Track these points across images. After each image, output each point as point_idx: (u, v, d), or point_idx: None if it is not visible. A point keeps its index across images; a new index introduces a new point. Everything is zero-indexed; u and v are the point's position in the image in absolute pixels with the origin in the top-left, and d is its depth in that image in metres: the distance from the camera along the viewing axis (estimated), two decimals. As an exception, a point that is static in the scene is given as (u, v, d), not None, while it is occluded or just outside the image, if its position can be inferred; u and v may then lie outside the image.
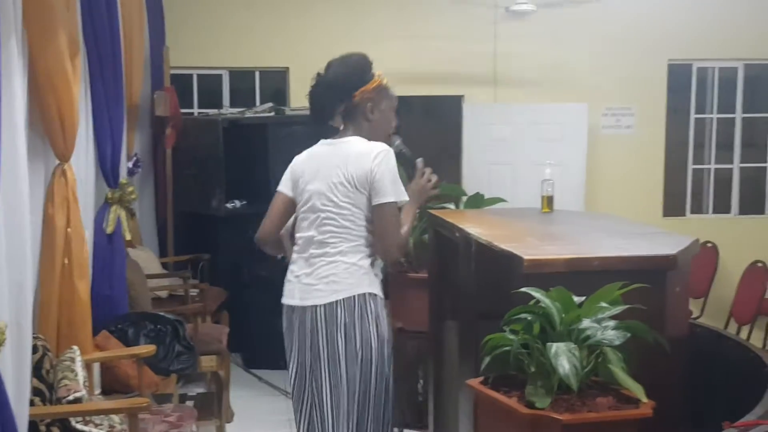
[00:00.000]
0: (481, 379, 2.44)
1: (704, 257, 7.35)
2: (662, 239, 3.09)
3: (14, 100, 2.87)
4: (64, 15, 3.52)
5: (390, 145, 3.33)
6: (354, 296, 3.21)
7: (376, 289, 3.28)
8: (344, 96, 3.31)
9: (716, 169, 8.30)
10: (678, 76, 8.05)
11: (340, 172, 3.22)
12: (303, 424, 3.38)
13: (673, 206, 8.17)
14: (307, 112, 3.47)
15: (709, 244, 7.50)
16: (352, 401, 3.26)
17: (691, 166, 8.23)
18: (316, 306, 3.25)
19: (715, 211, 8.32)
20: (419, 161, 3.43)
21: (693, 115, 8.19)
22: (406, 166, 3.52)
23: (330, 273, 3.25)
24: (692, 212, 8.27)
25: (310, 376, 3.31)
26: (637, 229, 3.50)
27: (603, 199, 7.67)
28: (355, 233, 3.23)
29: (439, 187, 3.48)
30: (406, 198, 3.23)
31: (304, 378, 3.33)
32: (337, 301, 3.21)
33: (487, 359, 2.39)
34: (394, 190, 3.18)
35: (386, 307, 3.38)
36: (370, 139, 3.28)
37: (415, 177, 3.42)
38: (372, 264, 3.27)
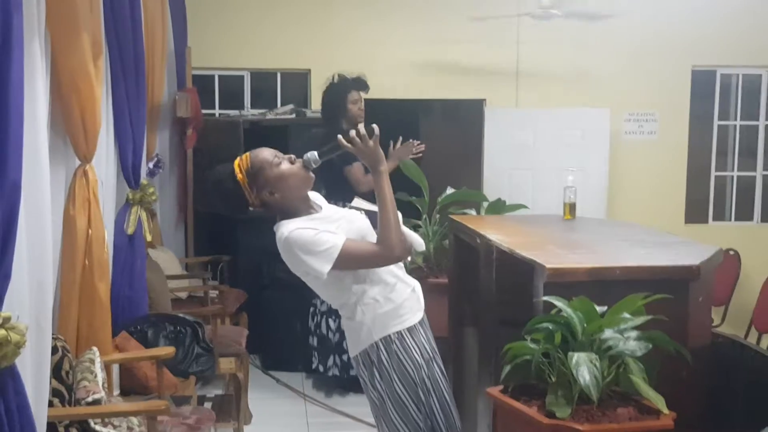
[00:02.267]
0: (501, 387, 2.43)
1: (726, 265, 7.27)
2: (686, 249, 3.06)
3: (37, 101, 2.87)
4: (87, 16, 3.52)
5: (310, 170, 3.12)
6: (365, 350, 3.17)
7: (390, 327, 3.14)
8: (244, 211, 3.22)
9: (739, 177, 8.24)
10: (701, 82, 7.99)
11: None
12: None
13: (695, 213, 8.11)
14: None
15: (731, 252, 7.44)
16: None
17: (713, 173, 8.16)
18: (352, 358, 3.31)
19: (737, 219, 8.25)
20: (339, 139, 3.04)
21: (716, 122, 8.12)
22: (340, 158, 3.25)
23: (347, 331, 3.28)
24: (714, 219, 8.20)
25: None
26: (660, 239, 3.47)
27: (625, 205, 7.63)
28: (344, 303, 3.19)
29: (373, 130, 3.09)
30: (334, 254, 2.96)
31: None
32: (356, 356, 3.23)
33: (507, 368, 2.37)
34: (322, 261, 2.98)
35: (417, 331, 3.21)
36: (297, 196, 3.13)
37: (353, 151, 3.07)
38: (371, 307, 3.14)
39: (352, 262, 3.04)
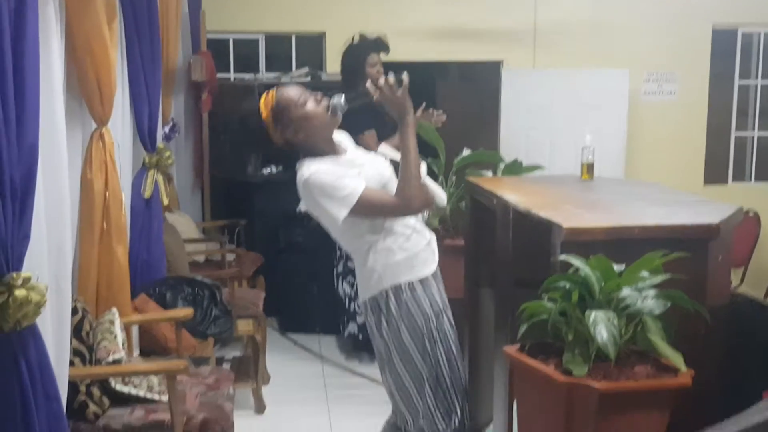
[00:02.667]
0: (517, 346, 2.43)
1: (745, 225, 7.24)
2: (704, 208, 3.04)
3: (52, 64, 2.87)
4: (101, -21, 3.51)
5: (337, 115, 3.13)
6: (375, 296, 3.17)
7: (402, 277, 3.14)
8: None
9: (759, 137, 8.16)
10: (722, 41, 7.89)
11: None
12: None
13: (714, 174, 8.05)
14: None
15: (751, 213, 7.39)
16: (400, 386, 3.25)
17: (733, 133, 8.09)
18: (361, 303, 3.31)
19: (757, 179, 8.19)
20: (368, 85, 3.08)
21: (737, 82, 8.03)
22: (364, 109, 3.24)
23: (357, 277, 3.29)
24: (734, 180, 8.15)
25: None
26: (678, 198, 3.45)
27: (643, 166, 7.58)
28: (357, 248, 3.20)
29: (402, 78, 3.05)
30: (352, 201, 2.96)
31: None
32: (365, 302, 3.23)
33: (524, 326, 2.37)
34: (339, 205, 2.99)
35: (428, 284, 3.23)
36: (321, 138, 3.14)
37: (381, 100, 3.07)
38: (384, 255, 3.14)
39: (370, 210, 3.04)
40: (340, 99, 3.10)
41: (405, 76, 3.04)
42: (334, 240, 3.34)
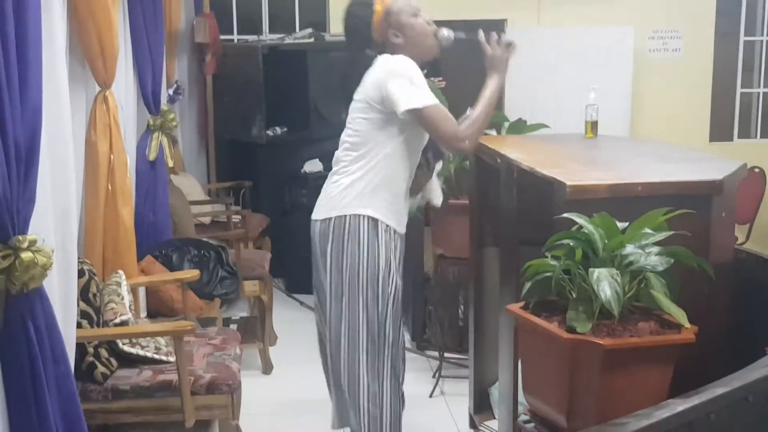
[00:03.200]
0: (521, 304, 2.44)
1: (751, 182, 7.23)
2: (708, 164, 3.03)
3: (54, 26, 2.86)
4: (101, -61, 3.49)
5: (440, 44, 3.24)
6: (346, 216, 3.17)
7: (380, 214, 3.17)
8: (365, 44, 3.25)
9: (765, 93, 8.10)
10: (727, -3, 7.82)
11: (360, 89, 3.20)
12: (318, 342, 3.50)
13: (720, 131, 8.00)
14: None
15: (757, 170, 7.36)
16: (338, 336, 3.27)
17: (739, 90, 8.03)
18: (315, 221, 3.29)
19: (762, 136, 8.13)
20: (480, 35, 3.22)
21: (742, 38, 7.95)
22: (470, 49, 3.30)
23: (330, 191, 3.25)
24: (739, 137, 8.10)
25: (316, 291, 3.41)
26: (682, 154, 3.44)
27: (648, 124, 7.55)
28: (362, 154, 3.18)
29: (512, 43, 3.24)
30: (426, 102, 3.05)
31: (316, 291, 3.41)
32: (329, 219, 3.21)
33: (528, 284, 2.38)
34: (407, 98, 3.04)
35: (401, 242, 3.30)
36: (419, 55, 3.20)
37: (484, 51, 3.21)
38: (381, 189, 3.18)
39: (430, 121, 3.08)
40: (450, 33, 3.25)
41: (514, 43, 3.24)
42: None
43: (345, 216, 3.17)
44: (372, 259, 3.17)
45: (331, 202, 3.22)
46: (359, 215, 3.16)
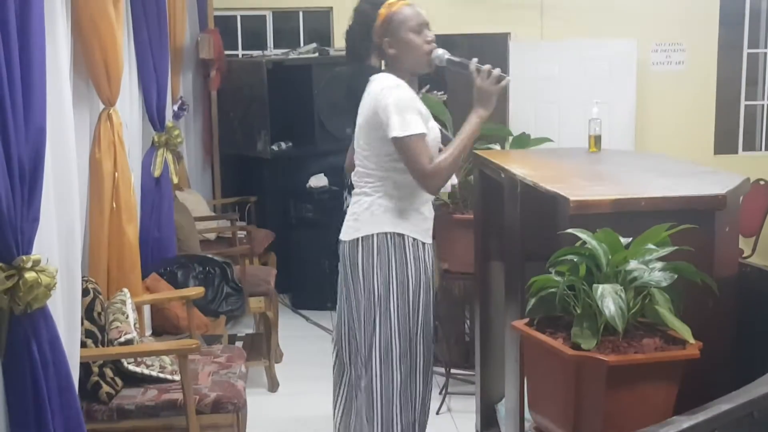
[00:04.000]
0: (526, 320, 2.43)
1: (756, 195, 7.22)
2: (711, 178, 3.02)
3: (58, 45, 2.87)
4: (105, -41, 3.50)
5: (432, 62, 3.20)
6: (372, 235, 3.18)
7: (406, 229, 3.19)
8: (365, 43, 3.28)
9: (769, 106, 8.12)
10: (730, 9, 7.82)
11: (361, 112, 3.22)
12: (334, 361, 3.47)
13: (724, 144, 8.01)
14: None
15: (762, 182, 7.36)
16: (365, 350, 3.26)
17: (743, 103, 8.04)
18: (343, 242, 3.30)
19: (767, 148, 8.14)
20: (473, 63, 3.16)
21: (746, 50, 7.97)
22: (460, 74, 3.25)
23: (354, 211, 3.26)
24: (744, 149, 8.10)
25: (341, 312, 3.38)
26: (686, 169, 3.43)
27: (653, 137, 7.55)
28: (379, 173, 3.19)
29: (505, 77, 3.15)
30: (413, 131, 3.04)
31: (341, 312, 3.39)
32: (356, 239, 3.21)
33: (532, 300, 2.37)
34: (399, 124, 3.04)
35: (430, 251, 3.31)
36: (409, 69, 3.20)
37: (473, 81, 3.14)
38: (403, 203, 3.19)
39: (404, 152, 3.08)
40: (443, 55, 3.19)
41: (508, 78, 3.16)
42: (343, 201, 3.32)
43: (371, 235, 3.19)
44: (401, 275, 3.18)
45: (357, 223, 3.24)
46: (385, 233, 3.17)
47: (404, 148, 3.06)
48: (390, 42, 3.19)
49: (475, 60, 3.15)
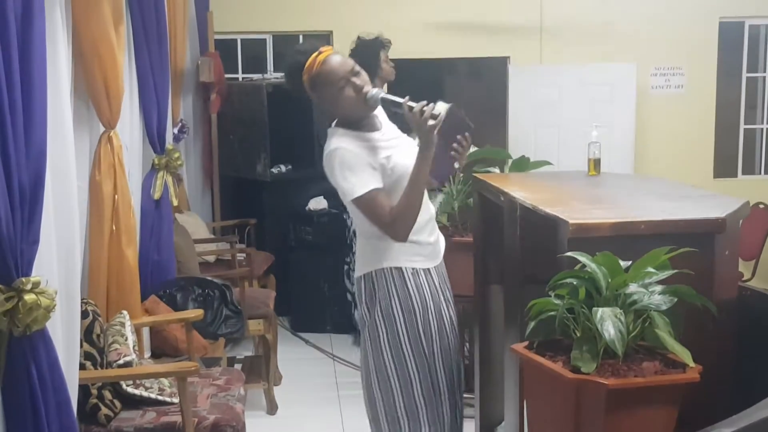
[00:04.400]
0: (526, 343, 2.43)
1: (756, 218, 7.22)
2: (711, 202, 3.03)
3: (59, 68, 2.89)
4: (107, -18, 3.53)
5: (368, 104, 3.08)
6: (371, 272, 3.18)
7: (402, 262, 3.15)
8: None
9: (769, 129, 8.14)
10: (729, 34, 7.86)
11: None
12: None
13: (724, 167, 8.02)
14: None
15: (761, 206, 7.36)
16: (375, 379, 3.28)
17: (742, 126, 8.06)
18: (355, 278, 3.32)
19: (767, 172, 8.15)
20: (405, 102, 3.00)
21: (745, 74, 8.00)
22: (396, 113, 3.11)
23: (357, 249, 3.31)
24: (744, 173, 8.12)
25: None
26: (685, 192, 3.44)
27: (652, 161, 7.56)
28: (363, 219, 3.17)
29: (439, 114, 2.96)
30: (362, 191, 2.99)
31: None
32: (360, 277, 3.23)
33: (532, 324, 2.37)
34: (348, 189, 3.01)
35: (434, 274, 3.27)
36: (348, 117, 3.13)
37: (409, 120, 3.01)
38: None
39: (362, 212, 3.05)
40: (378, 94, 3.07)
41: (443, 113, 2.99)
42: (348, 227, 3.32)
43: (371, 272, 3.19)
44: (406, 304, 3.16)
45: (360, 260, 3.26)
46: (383, 269, 3.16)
47: (361, 208, 3.05)
48: (324, 100, 3.13)
49: (407, 98, 3.02)
